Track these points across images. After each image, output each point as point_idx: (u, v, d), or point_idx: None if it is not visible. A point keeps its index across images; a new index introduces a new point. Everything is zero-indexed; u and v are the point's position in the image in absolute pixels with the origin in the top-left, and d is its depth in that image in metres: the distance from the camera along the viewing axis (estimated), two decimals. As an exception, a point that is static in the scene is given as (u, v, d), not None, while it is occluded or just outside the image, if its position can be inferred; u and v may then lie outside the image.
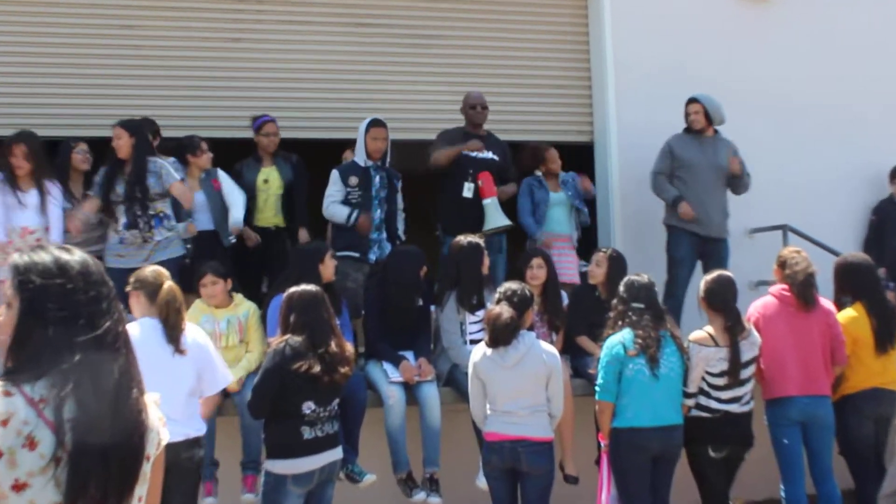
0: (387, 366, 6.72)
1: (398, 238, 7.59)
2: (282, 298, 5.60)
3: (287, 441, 5.29)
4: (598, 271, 7.28)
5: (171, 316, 4.98)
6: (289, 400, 5.27)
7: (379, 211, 7.47)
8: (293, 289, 5.52)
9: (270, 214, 7.93)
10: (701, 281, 6.28)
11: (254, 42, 8.47)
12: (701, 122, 8.27)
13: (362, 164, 7.49)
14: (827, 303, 6.58)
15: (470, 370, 5.83)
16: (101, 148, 7.38)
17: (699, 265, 8.17)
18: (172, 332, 4.98)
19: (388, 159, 7.59)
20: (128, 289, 5.12)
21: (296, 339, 5.30)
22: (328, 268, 6.58)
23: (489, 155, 7.87)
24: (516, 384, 5.70)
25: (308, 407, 5.30)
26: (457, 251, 6.95)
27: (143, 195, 6.95)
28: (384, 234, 7.49)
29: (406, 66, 8.75)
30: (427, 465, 6.55)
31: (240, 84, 8.38)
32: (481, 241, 6.99)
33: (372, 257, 7.37)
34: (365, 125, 7.49)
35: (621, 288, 6.15)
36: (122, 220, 6.97)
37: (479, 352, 5.80)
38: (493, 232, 7.65)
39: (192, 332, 5.17)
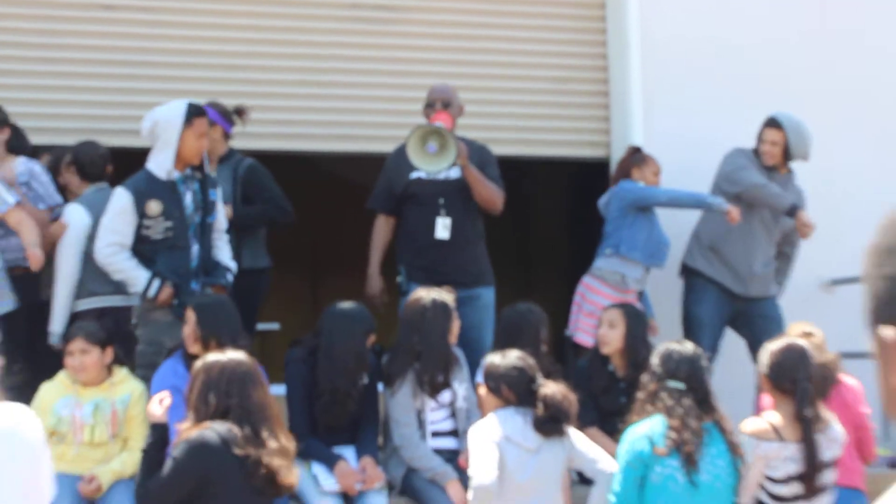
0: (317, 468, 6.67)
1: (225, 280, 7.26)
2: (180, 368, 5.76)
3: None
4: (612, 335, 7.25)
5: None
6: None
7: (197, 247, 7.06)
8: (213, 357, 5.44)
9: None
10: (763, 351, 6.26)
11: (134, 10, 8.57)
12: (776, 158, 8.32)
13: (164, 176, 7.01)
14: (850, 381, 6.89)
15: (483, 440, 5.92)
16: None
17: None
18: None
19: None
20: None
21: (222, 427, 5.20)
22: None
23: (457, 173, 7.77)
24: (537, 475, 5.92)
25: None
26: (417, 312, 6.94)
27: None
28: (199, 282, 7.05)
29: (351, 49, 8.92)
30: None
31: (112, 70, 8.48)
32: (450, 299, 6.96)
33: None
34: (183, 113, 7.03)
35: (655, 360, 6.13)
36: None
37: (496, 430, 5.93)
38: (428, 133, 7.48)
39: (9, 429, 4.52)
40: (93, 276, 7.24)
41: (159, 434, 5.55)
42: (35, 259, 6.94)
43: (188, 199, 7.02)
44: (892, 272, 1.55)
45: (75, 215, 7.37)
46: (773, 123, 8.29)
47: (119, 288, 7.19)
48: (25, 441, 4.11)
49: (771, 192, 8.10)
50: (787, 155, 8.31)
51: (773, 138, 8.27)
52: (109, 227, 6.93)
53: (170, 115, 7.01)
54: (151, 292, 6.83)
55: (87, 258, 7.20)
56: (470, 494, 5.91)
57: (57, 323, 7.13)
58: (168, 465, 5.27)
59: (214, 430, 5.22)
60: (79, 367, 6.50)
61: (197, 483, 5.20)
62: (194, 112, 7.01)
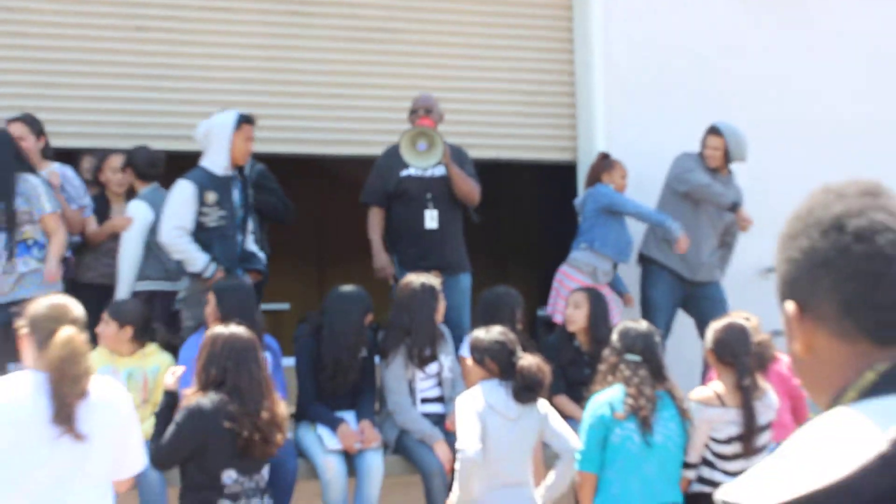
0: (322, 430, 6.83)
1: (261, 265, 7.54)
2: (200, 340, 5.71)
3: None
4: (577, 315, 7.43)
5: (63, 384, 4.17)
6: (205, 467, 5.41)
7: (240, 237, 7.42)
8: (217, 330, 5.61)
9: None
10: (708, 329, 6.42)
11: (162, 31, 8.59)
12: (718, 161, 8.54)
13: (220, 172, 7.29)
14: (785, 357, 6.95)
15: (469, 411, 5.96)
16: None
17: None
18: (62, 409, 4.15)
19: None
20: (17, 324, 4.54)
21: (216, 397, 5.39)
22: None
23: (441, 171, 7.94)
24: (516, 441, 5.95)
25: (229, 477, 5.45)
26: (407, 294, 7.09)
27: (7, 216, 6.97)
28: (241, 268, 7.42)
29: (353, 66, 8.97)
30: None
31: (144, 83, 8.51)
32: (437, 283, 7.14)
33: None
34: (234, 121, 7.32)
35: (615, 336, 6.30)
36: None
37: (481, 400, 5.96)
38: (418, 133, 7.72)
39: (106, 399, 4.40)
40: (150, 263, 7.50)
41: (170, 400, 5.71)
42: (51, 275, 6.96)
43: (235, 194, 7.28)
44: (792, 255, 1.63)
45: (140, 211, 7.58)
46: (714, 131, 8.53)
47: (169, 275, 7.42)
48: (118, 411, 4.31)
49: (715, 192, 8.32)
50: (727, 158, 8.53)
51: (714, 144, 8.49)
52: (174, 212, 7.14)
53: (223, 121, 7.29)
54: (209, 273, 7.04)
55: (147, 248, 7.47)
56: (457, 465, 5.96)
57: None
58: (171, 428, 5.45)
59: (210, 398, 5.40)
60: (101, 335, 6.65)
61: (194, 444, 5.38)
62: (243, 119, 7.28)
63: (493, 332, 6.17)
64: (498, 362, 6.06)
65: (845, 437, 1.46)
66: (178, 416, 5.44)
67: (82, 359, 4.21)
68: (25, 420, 4.10)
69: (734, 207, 8.36)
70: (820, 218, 1.63)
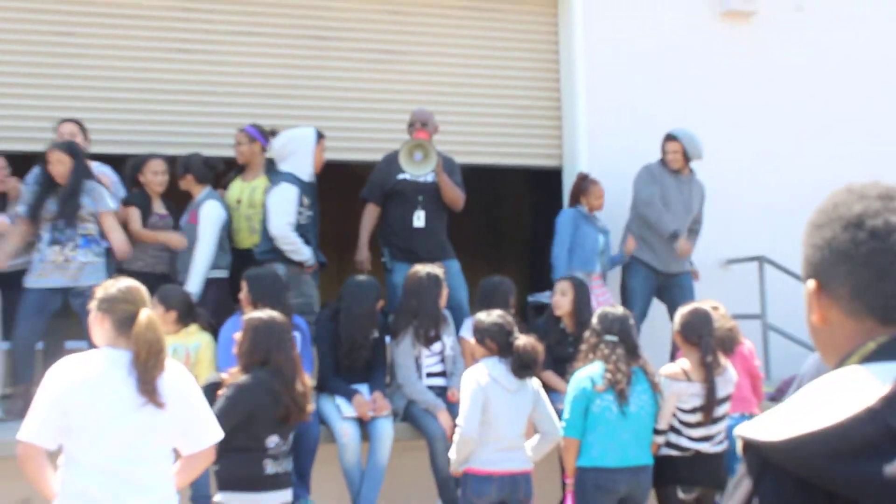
0: (339, 400, 7.01)
1: (323, 259, 7.93)
2: (240, 324, 5.88)
3: (249, 475, 5.63)
4: (564, 301, 7.57)
5: (149, 360, 4.27)
6: (254, 434, 5.62)
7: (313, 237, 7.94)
8: (255, 315, 5.80)
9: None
10: (676, 314, 6.57)
11: (201, 53, 8.85)
12: (679, 163, 8.78)
13: (306, 178, 7.67)
14: (747, 342, 7.32)
15: (473, 387, 6.07)
16: (21, 162, 7.95)
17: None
18: (147, 381, 4.26)
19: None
20: (90, 307, 4.51)
21: (263, 374, 5.61)
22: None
23: (432, 177, 8.12)
24: (514, 410, 6.06)
25: (272, 441, 5.67)
26: (414, 282, 7.25)
27: (73, 212, 7.23)
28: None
29: (365, 83, 9.21)
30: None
31: (184, 97, 8.74)
32: (441, 273, 7.33)
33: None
34: (315, 135, 7.72)
35: (594, 319, 6.47)
36: (46, 236, 7.25)
37: (485, 375, 6.07)
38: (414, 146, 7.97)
39: (174, 376, 4.46)
40: (221, 255, 7.75)
41: (216, 382, 5.92)
42: (121, 254, 7.39)
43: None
44: (816, 242, 1.73)
45: (216, 210, 7.79)
46: (671, 137, 8.76)
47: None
48: (185, 387, 4.45)
49: (661, 228, 8.51)
50: (686, 158, 8.73)
51: (673, 149, 8.72)
52: (285, 210, 7.48)
53: (304, 135, 7.72)
54: (311, 262, 7.52)
55: (219, 242, 7.76)
56: (456, 437, 6.06)
57: (195, 286, 7.51)
58: (221, 402, 5.55)
59: (255, 375, 5.61)
60: None
61: (243, 415, 5.51)
62: (319, 135, 7.76)
63: (492, 315, 6.26)
64: (497, 342, 6.15)
65: (844, 392, 1.58)
66: (228, 391, 5.60)
67: (163, 338, 4.39)
68: (112, 391, 4.26)
69: (675, 236, 8.56)
70: (842, 214, 1.73)
